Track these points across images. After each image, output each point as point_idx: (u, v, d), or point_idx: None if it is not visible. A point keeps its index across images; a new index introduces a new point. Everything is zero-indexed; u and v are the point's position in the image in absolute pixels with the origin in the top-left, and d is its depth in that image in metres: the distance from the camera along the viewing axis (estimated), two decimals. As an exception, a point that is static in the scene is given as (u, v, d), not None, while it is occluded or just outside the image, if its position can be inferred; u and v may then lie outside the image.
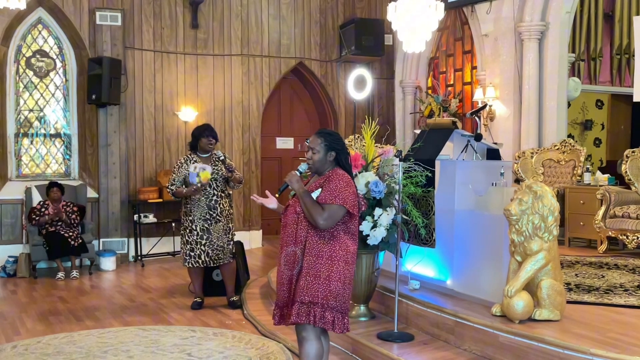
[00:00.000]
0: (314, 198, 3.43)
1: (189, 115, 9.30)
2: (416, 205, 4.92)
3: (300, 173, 3.57)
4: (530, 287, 4.14)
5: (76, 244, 7.80)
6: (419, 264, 5.17)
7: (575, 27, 10.09)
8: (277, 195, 3.67)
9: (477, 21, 8.94)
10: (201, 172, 5.77)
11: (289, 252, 3.50)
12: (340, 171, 3.51)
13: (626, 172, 7.18)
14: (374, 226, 4.70)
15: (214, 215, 5.92)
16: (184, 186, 5.94)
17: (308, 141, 4.92)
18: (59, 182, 8.25)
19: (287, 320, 3.52)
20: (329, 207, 3.39)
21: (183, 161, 6.01)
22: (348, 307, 3.49)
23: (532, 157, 8.20)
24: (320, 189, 3.46)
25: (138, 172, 9.11)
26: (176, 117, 9.32)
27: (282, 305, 3.57)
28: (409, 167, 4.87)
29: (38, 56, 8.90)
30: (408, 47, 6.67)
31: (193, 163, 5.92)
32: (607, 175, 7.65)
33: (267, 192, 3.76)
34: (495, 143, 7.21)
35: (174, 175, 5.97)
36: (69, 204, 8.10)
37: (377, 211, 4.71)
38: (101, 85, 8.31)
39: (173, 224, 8.68)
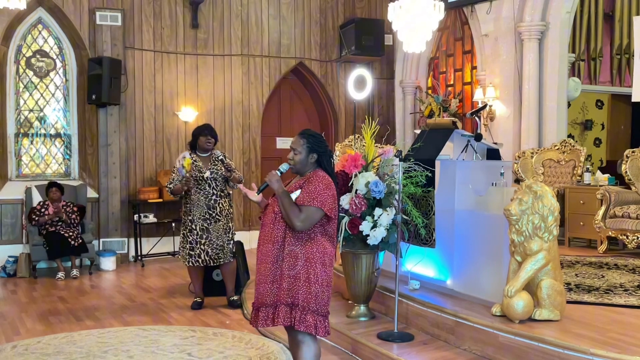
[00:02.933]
0: (293, 199, 3.40)
1: (189, 115, 9.30)
2: (416, 205, 4.92)
3: (281, 173, 3.54)
4: (530, 287, 4.14)
5: (76, 244, 7.80)
6: (419, 264, 5.17)
7: (575, 27, 10.09)
8: (257, 194, 3.61)
9: (477, 21, 8.94)
10: (184, 162, 5.83)
11: (264, 251, 3.45)
12: (321, 173, 3.48)
13: (626, 172, 7.18)
14: (374, 226, 4.70)
15: (214, 214, 5.92)
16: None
17: None
18: (59, 182, 8.26)
19: (268, 322, 3.42)
20: (306, 209, 3.35)
21: (183, 161, 6.02)
22: (328, 310, 3.45)
23: (532, 157, 8.20)
24: (299, 190, 3.43)
25: (138, 172, 9.11)
26: (176, 117, 9.32)
27: (258, 306, 3.47)
28: (409, 167, 4.87)
29: (38, 56, 8.90)
30: (408, 47, 6.68)
31: (183, 158, 5.96)
32: (607, 175, 7.65)
33: (252, 184, 3.76)
34: (495, 143, 7.22)
35: (174, 174, 6.00)
36: (68, 204, 8.10)
37: (377, 211, 4.71)
38: (101, 85, 8.31)
39: (173, 224, 8.68)
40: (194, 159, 6.00)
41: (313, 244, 3.39)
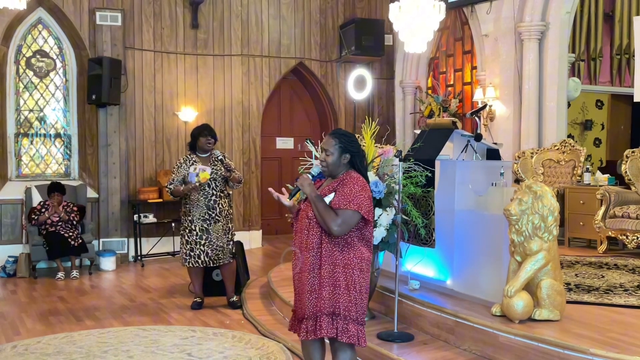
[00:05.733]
0: (327, 203, 3.25)
1: (189, 115, 9.30)
2: (416, 205, 4.92)
3: (313, 176, 3.39)
4: (530, 287, 4.14)
5: (76, 244, 7.80)
6: (419, 264, 5.17)
7: (575, 27, 10.09)
8: (288, 200, 3.49)
9: (477, 21, 8.94)
10: (201, 172, 5.77)
11: (300, 259, 3.34)
12: (355, 174, 3.32)
13: (626, 172, 7.18)
14: (374, 226, 4.70)
15: (213, 215, 5.91)
16: (182, 185, 5.93)
17: (308, 141, 4.91)
18: (59, 182, 8.24)
19: (309, 334, 3.29)
20: (343, 213, 3.19)
21: (182, 161, 6.01)
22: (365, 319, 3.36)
23: (532, 157, 8.20)
24: (333, 193, 3.27)
25: (138, 172, 9.11)
26: (176, 117, 9.32)
27: (301, 317, 3.36)
28: (409, 167, 4.87)
29: (38, 56, 8.90)
30: (409, 47, 6.68)
31: (193, 164, 5.92)
32: (607, 175, 7.65)
33: (283, 189, 3.57)
34: (495, 143, 7.21)
35: (174, 175, 5.98)
36: (68, 203, 8.10)
37: (377, 211, 4.71)
38: (101, 85, 8.31)
39: (173, 224, 8.68)
40: (193, 159, 5.99)
41: (350, 249, 3.25)
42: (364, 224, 3.30)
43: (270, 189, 3.69)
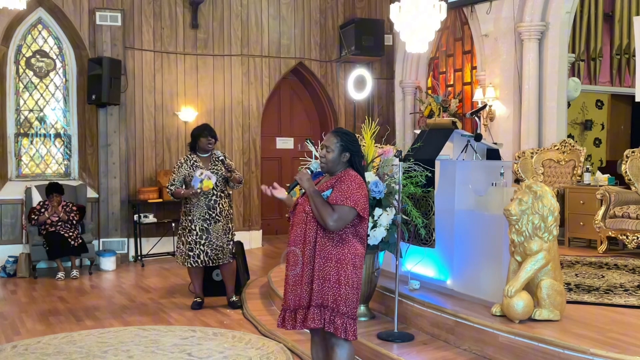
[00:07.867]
0: (325, 198, 3.33)
1: (189, 115, 9.30)
2: (416, 205, 4.92)
3: (312, 172, 3.46)
4: (530, 287, 4.15)
5: (76, 244, 7.80)
6: (419, 264, 5.17)
7: (575, 27, 10.09)
8: (287, 193, 3.55)
9: (477, 21, 8.94)
10: (205, 179, 5.76)
11: (297, 252, 3.39)
12: (353, 172, 3.40)
13: (626, 172, 7.18)
14: (374, 226, 4.70)
15: (213, 215, 5.92)
16: (183, 187, 5.94)
17: (307, 141, 4.92)
18: (59, 182, 8.24)
19: (296, 325, 3.38)
20: (339, 209, 3.27)
21: (183, 161, 6.01)
22: (357, 313, 3.39)
23: (532, 157, 8.20)
24: (331, 189, 3.35)
25: (138, 172, 9.11)
26: (176, 117, 9.32)
27: (285, 308, 3.44)
28: (409, 167, 4.87)
29: (38, 56, 8.90)
30: (411, 47, 6.68)
31: (196, 167, 5.92)
32: (607, 175, 7.65)
33: (274, 183, 3.62)
34: (495, 143, 7.21)
35: (174, 175, 5.99)
36: (68, 203, 8.10)
37: (377, 211, 4.71)
38: (101, 85, 8.31)
39: (173, 224, 8.68)
40: (194, 159, 5.99)
41: (345, 245, 3.33)
42: (359, 220, 3.37)
43: (262, 186, 3.70)
